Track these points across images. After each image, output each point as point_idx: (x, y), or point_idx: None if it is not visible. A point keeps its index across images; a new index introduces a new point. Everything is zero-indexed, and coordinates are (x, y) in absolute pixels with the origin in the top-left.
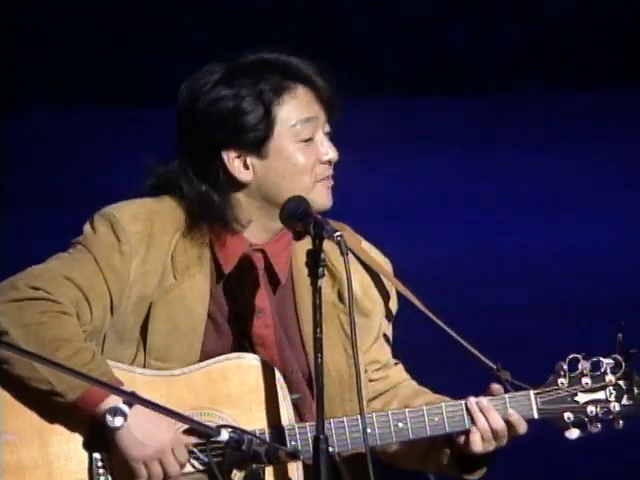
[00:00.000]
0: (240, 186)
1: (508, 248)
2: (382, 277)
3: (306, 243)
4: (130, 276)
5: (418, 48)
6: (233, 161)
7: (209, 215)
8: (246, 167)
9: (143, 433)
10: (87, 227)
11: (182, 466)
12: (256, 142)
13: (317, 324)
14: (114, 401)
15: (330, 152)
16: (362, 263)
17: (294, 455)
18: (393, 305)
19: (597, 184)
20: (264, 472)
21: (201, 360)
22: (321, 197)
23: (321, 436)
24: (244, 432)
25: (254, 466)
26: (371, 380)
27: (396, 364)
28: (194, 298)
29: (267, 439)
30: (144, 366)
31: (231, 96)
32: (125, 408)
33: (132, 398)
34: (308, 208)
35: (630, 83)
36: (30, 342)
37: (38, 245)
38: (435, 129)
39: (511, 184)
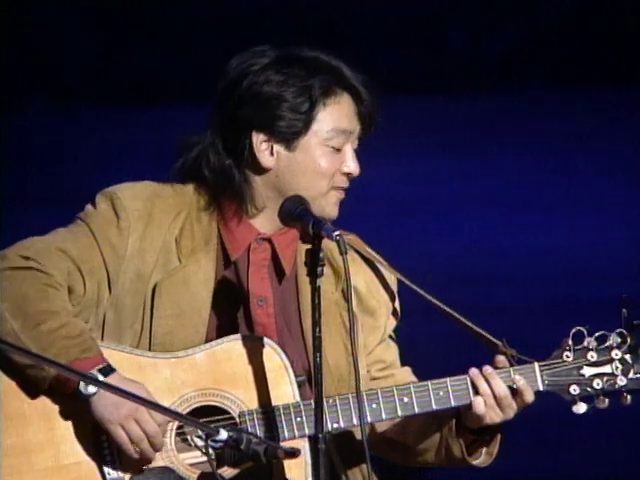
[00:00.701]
0: (260, 170)
1: (508, 248)
2: (384, 271)
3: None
4: (127, 251)
5: (417, 48)
6: (261, 144)
7: (229, 189)
8: (271, 154)
9: (115, 396)
10: (89, 205)
11: (160, 426)
12: (289, 133)
13: (316, 323)
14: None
15: (352, 166)
16: (368, 263)
17: (293, 454)
18: (398, 306)
19: (597, 184)
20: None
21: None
22: (330, 205)
23: (320, 436)
24: (243, 431)
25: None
26: (374, 378)
27: (404, 366)
28: (199, 281)
29: (276, 415)
30: (149, 349)
31: (279, 82)
32: (99, 376)
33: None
34: (307, 207)
35: (630, 83)
36: (16, 314)
37: None
38: (435, 129)
39: (510, 184)
